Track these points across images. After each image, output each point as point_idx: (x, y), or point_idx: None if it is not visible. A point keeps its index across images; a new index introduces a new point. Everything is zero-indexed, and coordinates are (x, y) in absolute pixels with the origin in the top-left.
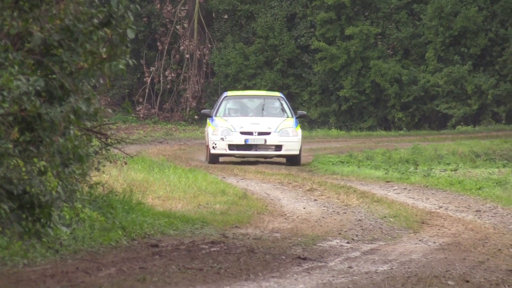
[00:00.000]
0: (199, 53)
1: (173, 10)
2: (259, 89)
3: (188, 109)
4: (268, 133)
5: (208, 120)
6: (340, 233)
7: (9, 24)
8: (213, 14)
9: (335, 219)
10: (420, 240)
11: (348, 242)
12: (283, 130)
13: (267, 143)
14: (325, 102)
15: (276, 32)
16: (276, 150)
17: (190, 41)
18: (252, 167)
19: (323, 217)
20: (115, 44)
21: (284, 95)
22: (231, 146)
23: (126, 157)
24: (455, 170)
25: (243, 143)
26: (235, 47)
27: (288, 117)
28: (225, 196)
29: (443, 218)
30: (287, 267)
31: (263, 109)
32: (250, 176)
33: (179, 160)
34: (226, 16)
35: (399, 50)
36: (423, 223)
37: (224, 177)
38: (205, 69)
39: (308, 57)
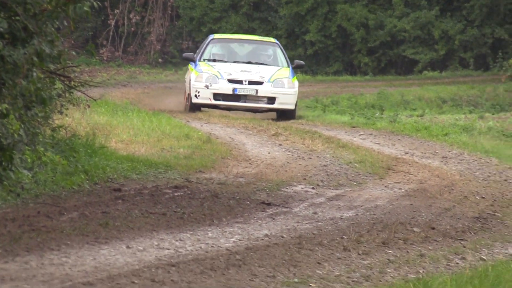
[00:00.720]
0: None
1: None
2: (233, 32)
3: (152, 52)
4: (260, 83)
5: (190, 65)
6: (305, 179)
7: None
8: None
9: (300, 164)
10: (385, 187)
11: (313, 188)
12: (277, 81)
13: (259, 94)
14: (291, 46)
15: None
16: (268, 103)
17: None
18: (217, 111)
19: (288, 162)
20: None
21: None
22: (216, 96)
23: (90, 100)
24: (421, 116)
25: (230, 92)
26: None
27: (283, 66)
28: (189, 140)
29: (409, 164)
30: (251, 213)
31: (254, 56)
32: (214, 120)
33: (142, 104)
34: None
35: None
36: (389, 169)
37: (188, 121)
38: (170, 12)
39: (274, 1)
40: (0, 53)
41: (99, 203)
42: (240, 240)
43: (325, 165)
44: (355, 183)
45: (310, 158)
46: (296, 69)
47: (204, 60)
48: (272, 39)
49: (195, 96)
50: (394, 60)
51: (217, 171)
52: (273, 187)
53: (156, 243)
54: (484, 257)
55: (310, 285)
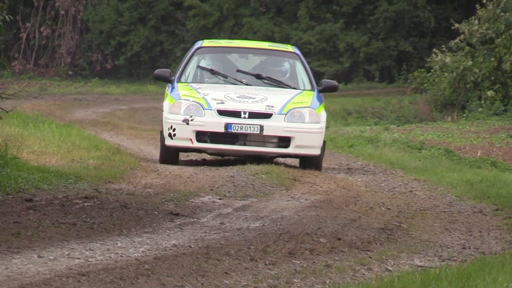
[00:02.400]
0: (74, 9)
1: None
2: (229, 37)
3: (62, 64)
4: (268, 116)
5: (166, 89)
6: (212, 189)
7: None
8: None
9: (207, 175)
10: (292, 197)
11: (220, 199)
12: (294, 112)
13: (265, 132)
14: None
15: None
16: (279, 146)
17: None
18: (125, 123)
19: (195, 173)
20: None
21: (157, 52)
22: (201, 135)
23: (1, 111)
24: (327, 127)
25: (222, 130)
26: (109, 4)
27: (305, 89)
28: (98, 151)
29: (315, 175)
30: (159, 223)
31: (262, 73)
32: (123, 131)
33: (53, 116)
34: None
35: (271, 8)
36: (295, 180)
37: (97, 132)
38: (79, 26)
39: (182, 14)
40: None
41: (11, 213)
42: (149, 250)
43: (232, 176)
44: (261, 194)
45: (217, 169)
46: (324, 92)
47: (184, 80)
48: (289, 47)
49: (169, 135)
50: None
51: (126, 182)
52: (181, 197)
53: (66, 253)
54: (390, 268)
55: None
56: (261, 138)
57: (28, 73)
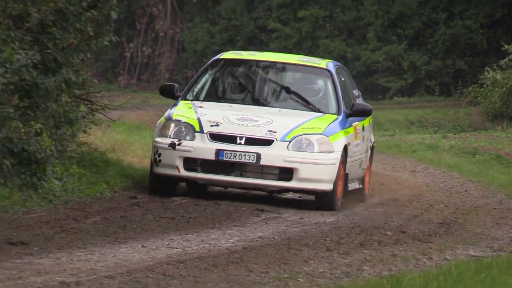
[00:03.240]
0: (171, 31)
1: None
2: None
3: (162, 79)
4: (268, 142)
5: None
6: None
7: (11, 6)
8: None
9: None
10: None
11: (300, 196)
12: (300, 139)
13: (262, 162)
14: None
15: (237, 14)
16: (280, 179)
17: (164, 22)
18: None
19: None
20: (100, 23)
21: None
22: (190, 163)
23: (109, 121)
24: (392, 135)
25: (212, 157)
26: (203, 27)
27: (328, 112)
28: None
29: (382, 177)
30: (247, 217)
31: (287, 91)
32: None
33: (154, 124)
34: (195, 0)
35: (344, 31)
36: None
37: None
38: (176, 46)
39: (266, 36)
40: (34, 81)
41: (118, 209)
42: (238, 241)
43: None
44: None
45: None
46: (355, 117)
47: (191, 97)
48: (322, 63)
49: (155, 161)
50: (369, 87)
51: None
52: (266, 195)
53: (166, 243)
54: (448, 257)
55: (298, 280)
56: (258, 169)
57: (132, 87)
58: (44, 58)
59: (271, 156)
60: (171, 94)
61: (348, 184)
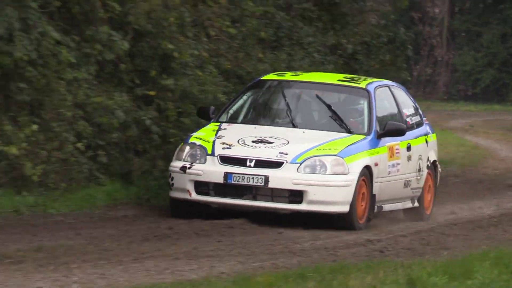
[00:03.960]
0: (446, 57)
1: (431, 30)
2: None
3: (440, 92)
4: (277, 164)
5: None
6: None
7: (327, 40)
8: (455, 32)
9: None
10: None
11: None
12: (312, 160)
13: (270, 185)
14: None
15: (494, 44)
16: (291, 202)
17: (441, 49)
18: (481, 129)
19: None
20: (397, 54)
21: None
22: (201, 186)
23: None
24: None
25: (221, 181)
26: (469, 54)
27: (357, 132)
28: (463, 147)
29: None
30: (502, 192)
31: (323, 112)
32: (480, 134)
33: (435, 125)
34: (463, 34)
35: None
36: None
37: (462, 135)
38: (450, 68)
39: None
40: None
41: None
42: (497, 209)
43: None
44: None
45: None
46: (388, 137)
47: (226, 119)
48: (362, 83)
49: (169, 185)
50: None
51: (481, 167)
52: None
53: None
54: None
55: None
56: (268, 192)
57: (419, 98)
58: None
59: (279, 178)
60: (207, 116)
61: (384, 205)
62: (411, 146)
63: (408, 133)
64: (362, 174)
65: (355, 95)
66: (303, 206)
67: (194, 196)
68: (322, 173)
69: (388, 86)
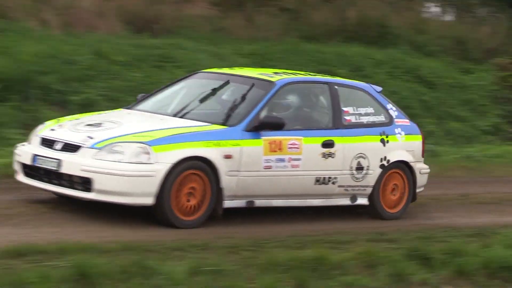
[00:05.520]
0: None
1: None
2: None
3: None
4: (75, 148)
5: None
6: None
7: None
8: None
9: None
10: None
11: None
12: (116, 146)
13: (63, 169)
14: None
15: None
16: (83, 190)
17: None
18: None
19: None
20: None
21: None
22: (24, 168)
23: None
24: None
25: (29, 162)
26: None
27: (216, 123)
28: None
29: None
30: None
31: (204, 102)
32: None
33: None
34: None
35: None
36: None
37: None
38: None
39: None
40: None
41: None
42: None
43: None
44: None
45: None
46: (265, 129)
47: (135, 106)
48: (275, 78)
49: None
50: None
51: None
52: None
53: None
54: None
55: None
56: (62, 177)
57: None
58: None
59: (70, 163)
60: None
61: (256, 200)
62: (335, 143)
63: (338, 131)
64: (183, 165)
65: (260, 88)
66: (93, 195)
67: (21, 178)
68: (119, 161)
69: (329, 83)
